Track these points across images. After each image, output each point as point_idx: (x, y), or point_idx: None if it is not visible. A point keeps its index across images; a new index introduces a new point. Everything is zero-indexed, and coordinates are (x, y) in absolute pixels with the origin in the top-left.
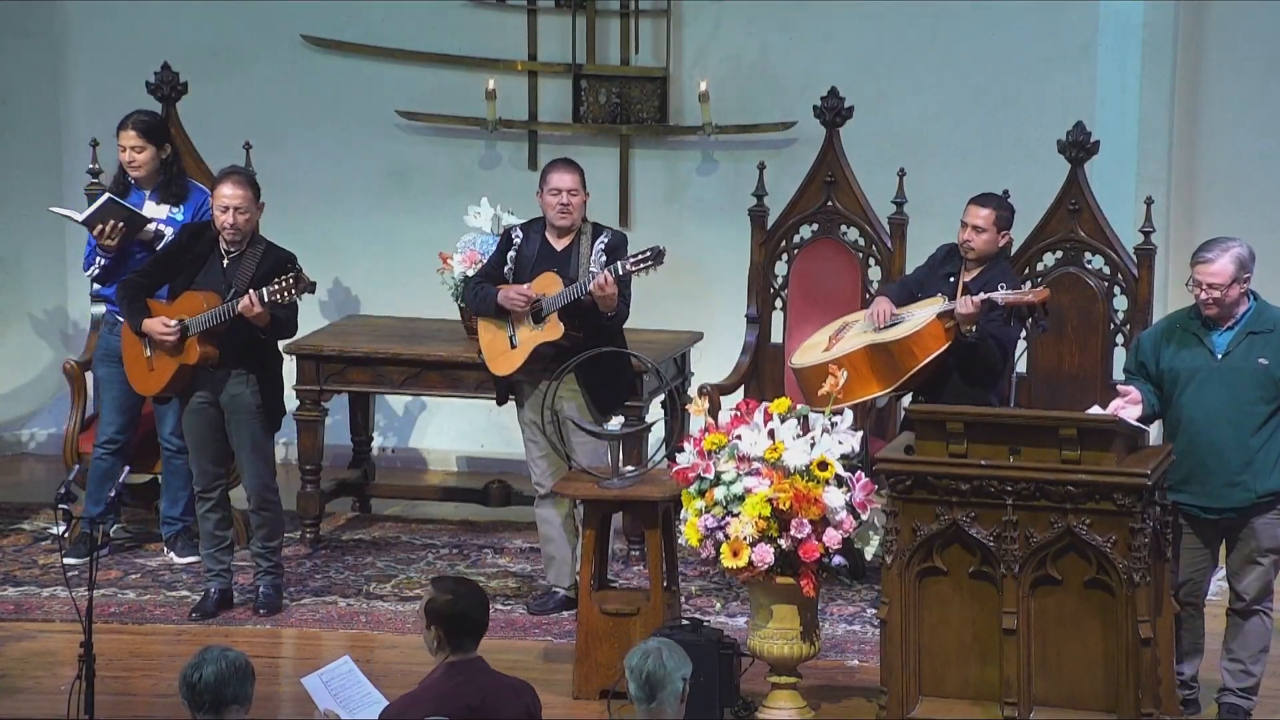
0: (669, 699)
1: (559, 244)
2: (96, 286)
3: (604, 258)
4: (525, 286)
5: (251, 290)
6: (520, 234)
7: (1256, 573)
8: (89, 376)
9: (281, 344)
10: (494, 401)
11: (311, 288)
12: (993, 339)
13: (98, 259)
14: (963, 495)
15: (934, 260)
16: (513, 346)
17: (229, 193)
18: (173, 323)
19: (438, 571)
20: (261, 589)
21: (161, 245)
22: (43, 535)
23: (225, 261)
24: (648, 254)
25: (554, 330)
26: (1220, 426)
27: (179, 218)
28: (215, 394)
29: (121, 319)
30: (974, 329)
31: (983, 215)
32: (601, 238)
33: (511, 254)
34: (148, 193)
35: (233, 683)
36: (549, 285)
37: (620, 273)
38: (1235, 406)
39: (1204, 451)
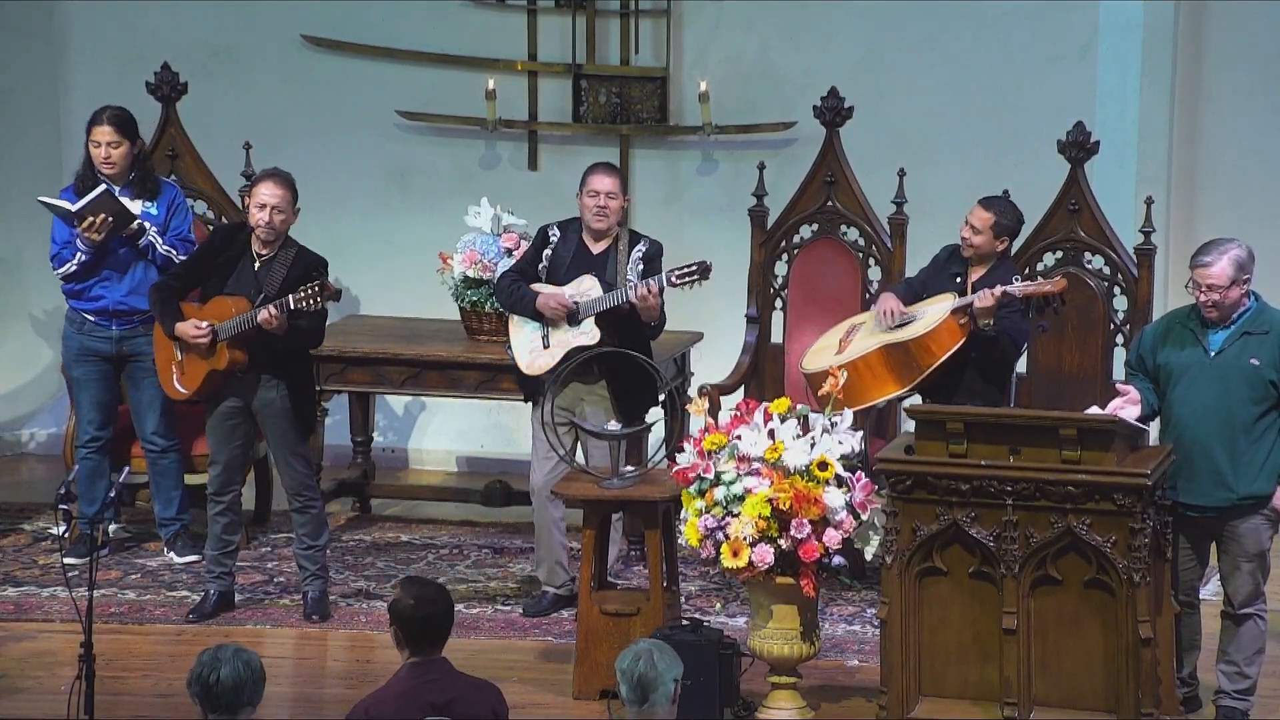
0: (661, 700)
1: (595, 247)
2: (64, 284)
3: (641, 266)
4: (565, 294)
5: (271, 303)
6: (557, 233)
7: (1243, 576)
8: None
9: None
10: (494, 402)
11: (337, 296)
12: (1006, 334)
13: (77, 254)
14: (963, 495)
15: (937, 261)
16: (545, 347)
17: (268, 191)
18: (204, 325)
19: (438, 572)
20: (310, 595)
21: (170, 243)
22: (43, 535)
23: (257, 265)
24: (694, 268)
25: (590, 334)
26: (1208, 424)
27: (154, 212)
28: (246, 400)
29: (87, 316)
30: (991, 322)
31: (982, 217)
32: (639, 245)
33: (547, 252)
34: (119, 188)
35: (248, 685)
36: (586, 289)
37: (666, 284)
38: (1225, 405)
39: (1191, 449)
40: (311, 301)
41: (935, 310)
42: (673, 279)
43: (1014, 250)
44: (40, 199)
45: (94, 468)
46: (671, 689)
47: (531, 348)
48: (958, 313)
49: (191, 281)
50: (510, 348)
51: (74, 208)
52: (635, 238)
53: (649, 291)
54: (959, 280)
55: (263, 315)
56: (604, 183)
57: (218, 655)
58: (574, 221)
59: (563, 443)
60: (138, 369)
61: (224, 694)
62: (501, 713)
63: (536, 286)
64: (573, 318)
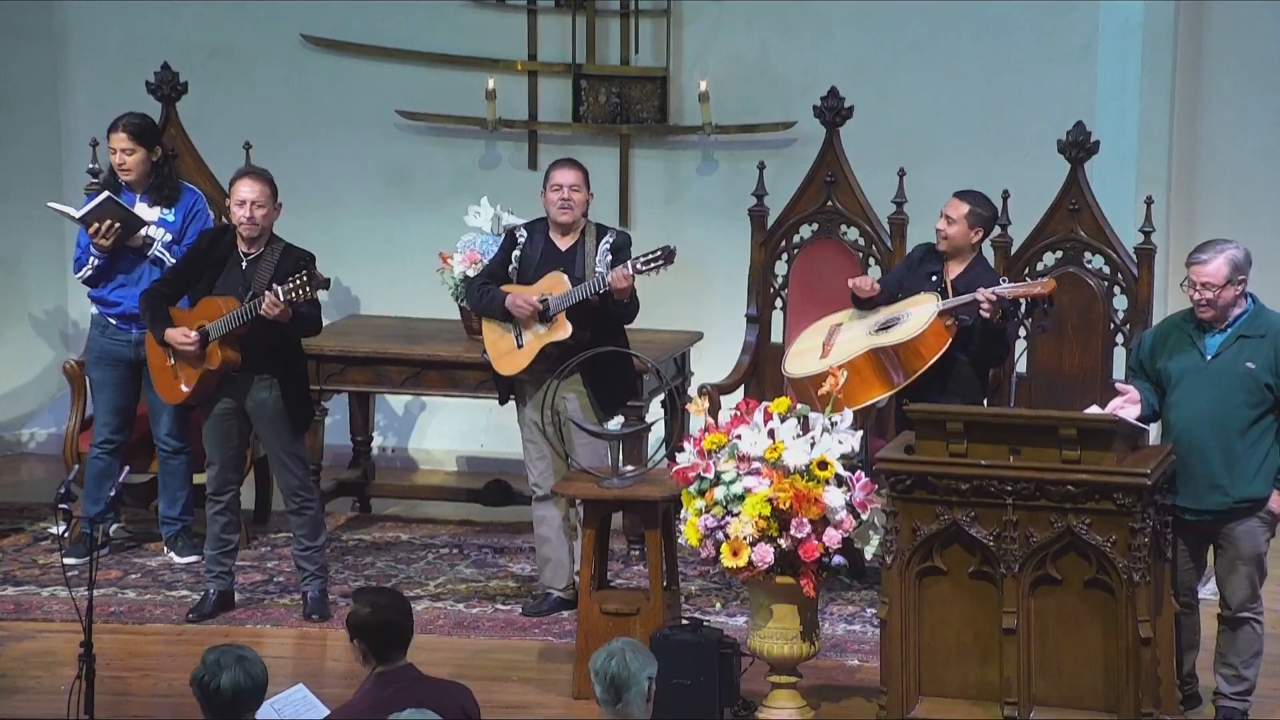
0: (635, 699)
1: (563, 243)
2: (88, 289)
3: (609, 257)
4: (533, 295)
5: (269, 290)
6: (524, 233)
7: (1239, 580)
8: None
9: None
10: (494, 401)
11: (326, 284)
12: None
13: (90, 259)
14: (963, 495)
15: (911, 260)
16: (519, 346)
17: (246, 188)
18: (193, 334)
19: (438, 572)
20: (309, 595)
21: (182, 252)
22: (43, 535)
23: (244, 264)
24: (658, 253)
25: (561, 330)
26: (1205, 428)
27: (170, 220)
28: (239, 400)
29: (110, 320)
30: (1001, 318)
31: (957, 209)
32: (606, 237)
33: (516, 253)
34: (138, 195)
35: (249, 694)
36: (555, 285)
37: (633, 272)
38: (1221, 409)
39: (1188, 452)
40: (301, 292)
41: (920, 313)
42: (638, 266)
43: (1013, 251)
44: (49, 204)
45: (104, 468)
46: (646, 688)
47: (505, 348)
48: (944, 315)
49: (181, 286)
50: (484, 350)
51: (76, 215)
52: (602, 230)
53: (624, 275)
54: (935, 279)
55: (266, 304)
56: (566, 176)
57: (220, 661)
58: (540, 221)
59: (562, 444)
60: None
61: (224, 704)
62: (472, 713)
63: (506, 287)
64: (544, 315)
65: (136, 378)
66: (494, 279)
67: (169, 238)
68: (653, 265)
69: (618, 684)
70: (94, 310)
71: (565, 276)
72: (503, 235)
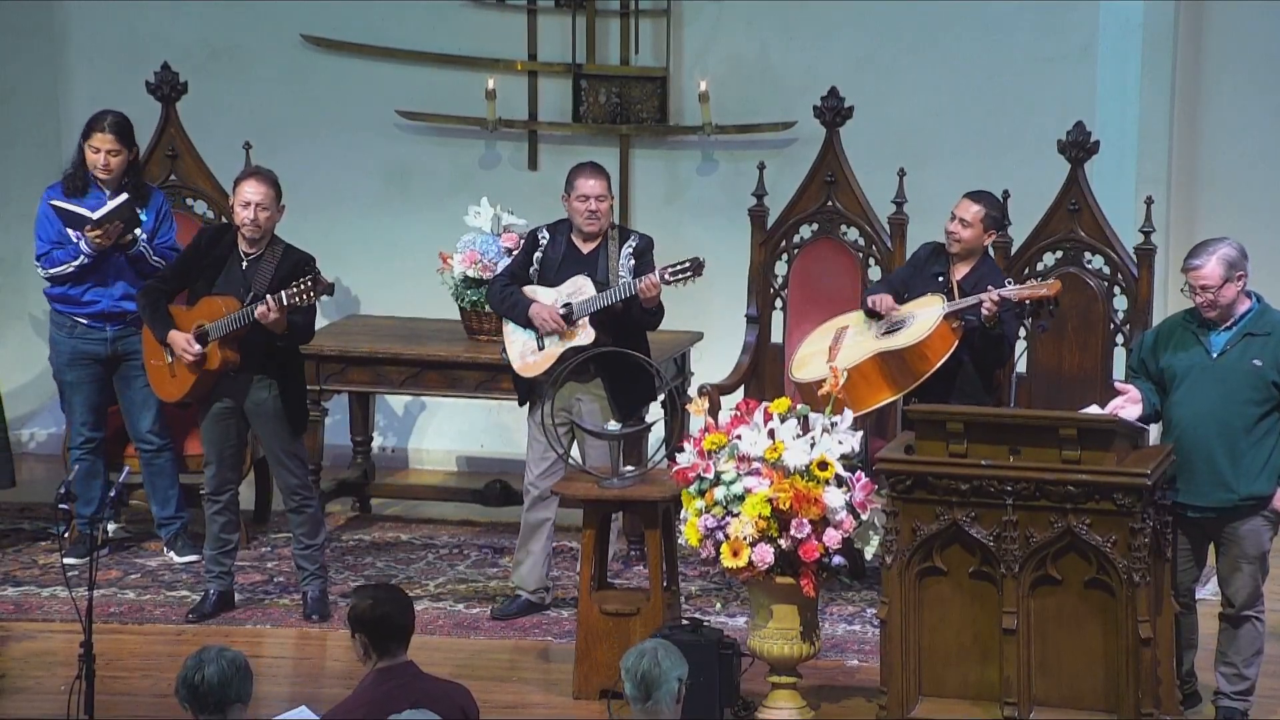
0: (665, 699)
1: (585, 247)
2: (56, 287)
3: (632, 262)
4: (558, 306)
5: (269, 295)
6: (546, 235)
7: (1243, 578)
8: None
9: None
10: (494, 401)
11: (330, 290)
12: (1004, 337)
13: (80, 257)
14: (963, 495)
15: (917, 259)
16: (540, 349)
17: (251, 189)
18: (196, 346)
19: (438, 572)
20: (309, 595)
21: (163, 250)
22: (43, 535)
23: (244, 264)
24: (687, 265)
25: (584, 335)
26: (1209, 425)
27: (143, 219)
28: (238, 400)
29: (79, 320)
30: (997, 324)
31: (972, 211)
32: (629, 241)
33: (538, 255)
34: (108, 193)
35: (235, 681)
36: (579, 289)
37: (660, 281)
38: (1226, 406)
39: (1192, 449)
40: (305, 297)
41: (926, 316)
42: (666, 276)
43: (1014, 251)
44: (53, 203)
45: (89, 469)
46: (676, 688)
47: (526, 350)
48: (950, 317)
49: (179, 284)
50: (504, 350)
51: (95, 216)
52: (625, 234)
53: (652, 284)
54: (941, 280)
55: (261, 309)
56: (593, 186)
57: (201, 656)
58: (563, 223)
59: (561, 443)
60: (131, 368)
61: (211, 692)
62: (471, 713)
63: (529, 290)
64: (567, 319)
65: (109, 375)
66: (515, 279)
67: (144, 237)
68: (680, 276)
69: (648, 682)
70: (54, 309)
71: (589, 281)
72: (503, 233)
